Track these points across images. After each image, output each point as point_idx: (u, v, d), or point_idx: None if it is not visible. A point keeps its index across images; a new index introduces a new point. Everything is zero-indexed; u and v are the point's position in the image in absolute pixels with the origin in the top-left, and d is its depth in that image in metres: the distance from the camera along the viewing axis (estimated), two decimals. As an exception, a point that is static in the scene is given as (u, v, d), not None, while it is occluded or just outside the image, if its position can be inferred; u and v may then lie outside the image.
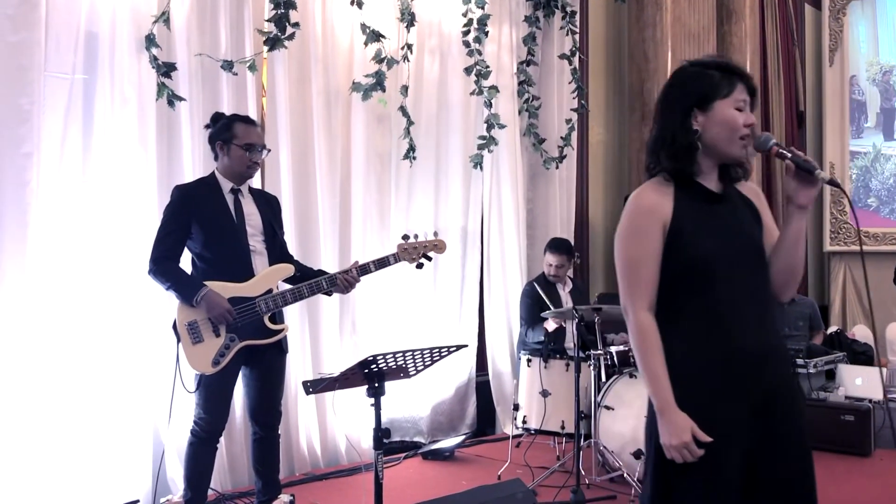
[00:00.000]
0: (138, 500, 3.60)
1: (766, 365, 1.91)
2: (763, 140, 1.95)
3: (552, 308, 4.65)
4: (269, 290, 3.26)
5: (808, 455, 1.93)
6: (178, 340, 3.18)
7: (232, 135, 3.32)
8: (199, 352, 3.17)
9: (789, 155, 1.91)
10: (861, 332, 7.46)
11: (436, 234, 3.50)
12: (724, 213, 1.96)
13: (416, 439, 5.13)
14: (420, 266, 3.46)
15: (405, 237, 3.42)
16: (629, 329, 1.95)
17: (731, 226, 1.95)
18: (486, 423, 5.56)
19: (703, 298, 1.89)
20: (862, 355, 6.37)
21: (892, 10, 8.59)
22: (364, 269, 3.38)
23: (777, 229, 2.03)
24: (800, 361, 5.39)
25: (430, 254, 3.46)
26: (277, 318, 3.33)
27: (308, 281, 3.32)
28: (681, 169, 1.94)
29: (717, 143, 1.93)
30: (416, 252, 3.41)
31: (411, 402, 5.12)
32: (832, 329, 6.94)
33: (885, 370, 6.29)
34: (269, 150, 3.71)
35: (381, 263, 3.39)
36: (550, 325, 4.73)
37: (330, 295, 3.49)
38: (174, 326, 3.20)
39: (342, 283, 3.34)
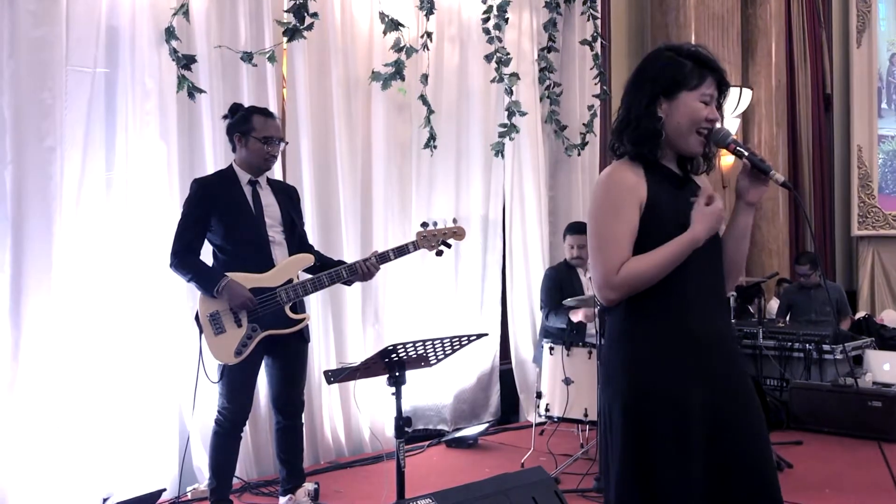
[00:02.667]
0: (164, 489, 3.64)
1: (723, 349, 1.93)
2: (722, 136, 1.95)
3: (574, 294, 4.63)
4: (290, 280, 3.28)
5: (766, 441, 1.92)
6: (201, 332, 3.21)
7: (250, 127, 3.33)
8: (222, 342, 3.20)
9: (746, 153, 1.94)
10: (890, 318, 7.36)
11: (455, 220, 3.48)
12: (689, 199, 1.94)
13: (439, 427, 5.14)
14: (440, 253, 3.45)
15: (424, 224, 3.41)
16: (616, 294, 1.88)
17: None
18: (509, 410, 5.57)
19: (672, 281, 1.88)
20: (891, 341, 6.29)
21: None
22: (383, 258, 3.38)
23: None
24: (826, 347, 5.33)
25: (450, 241, 3.44)
26: (298, 307, 3.35)
27: (328, 270, 3.33)
28: (643, 153, 1.92)
29: (675, 134, 1.92)
30: (436, 239, 3.40)
31: (435, 391, 5.13)
32: (860, 314, 6.85)
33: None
34: (287, 143, 3.72)
35: (401, 251, 3.39)
36: (577, 317, 4.70)
37: (350, 284, 3.49)
38: (196, 318, 3.23)
39: (361, 271, 3.34)
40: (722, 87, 1.95)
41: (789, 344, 5.51)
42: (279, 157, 4.05)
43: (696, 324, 1.89)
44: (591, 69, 5.96)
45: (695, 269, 1.90)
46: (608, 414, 1.94)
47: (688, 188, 1.98)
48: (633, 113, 1.94)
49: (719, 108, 1.96)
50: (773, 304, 7.07)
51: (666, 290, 1.88)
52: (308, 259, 3.39)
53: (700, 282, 1.91)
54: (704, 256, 1.92)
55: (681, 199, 1.93)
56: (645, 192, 1.90)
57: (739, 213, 1.99)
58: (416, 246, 3.38)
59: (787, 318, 6.36)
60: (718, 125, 1.96)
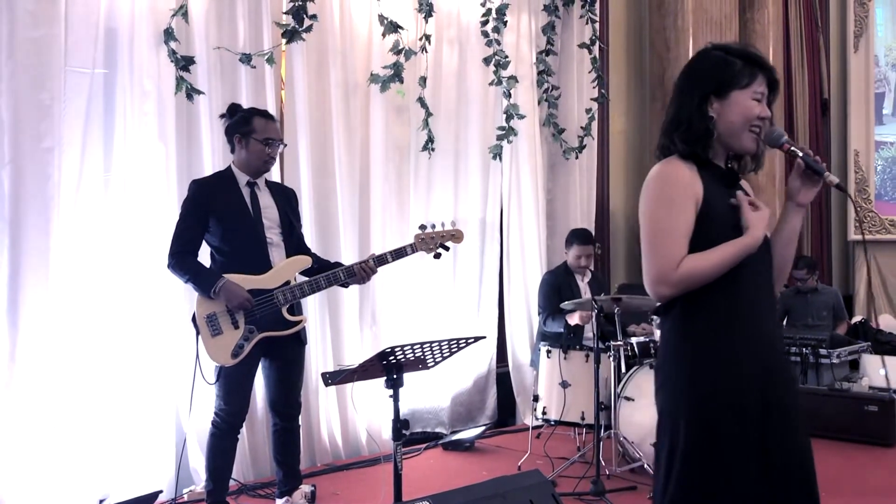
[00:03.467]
0: (161, 491, 3.63)
1: (776, 350, 1.94)
2: (776, 136, 1.94)
3: (572, 298, 4.63)
4: (287, 282, 3.28)
5: (809, 449, 1.94)
6: (198, 333, 3.21)
7: (251, 129, 3.33)
8: (219, 344, 3.19)
9: (800, 154, 1.92)
10: (886, 322, 7.37)
11: (454, 223, 3.48)
12: (730, 201, 1.94)
13: (437, 430, 5.14)
14: (438, 256, 3.45)
15: (422, 227, 3.41)
16: (672, 290, 1.86)
17: None
18: (506, 413, 5.56)
19: (729, 282, 1.87)
20: (887, 345, 6.29)
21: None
22: (381, 260, 3.38)
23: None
24: (822, 352, 5.33)
25: (448, 244, 3.44)
26: (296, 309, 3.34)
27: (325, 272, 3.32)
28: (695, 153, 1.92)
29: (728, 133, 1.92)
30: (434, 242, 3.40)
31: (432, 393, 5.13)
32: (857, 318, 6.85)
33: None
34: (286, 145, 3.72)
35: (399, 254, 3.39)
36: (573, 320, 4.71)
37: (347, 286, 3.49)
38: (193, 319, 3.22)
39: (359, 273, 3.34)
40: (773, 85, 1.94)
41: (786, 348, 5.52)
42: (277, 159, 4.06)
43: (752, 325, 1.89)
44: (590, 72, 5.97)
45: (750, 270, 1.89)
46: (671, 420, 1.91)
47: (737, 187, 1.98)
48: (683, 113, 1.93)
49: (770, 105, 1.95)
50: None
51: (724, 291, 1.87)
52: (306, 261, 3.39)
53: (755, 283, 1.91)
54: (758, 258, 1.91)
55: (731, 197, 1.93)
56: (701, 189, 1.89)
57: (789, 214, 1.98)
58: (414, 248, 3.38)
59: (785, 322, 6.37)
60: (775, 127, 1.95)
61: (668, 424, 1.93)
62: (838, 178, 1.99)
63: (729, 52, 1.94)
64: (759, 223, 1.88)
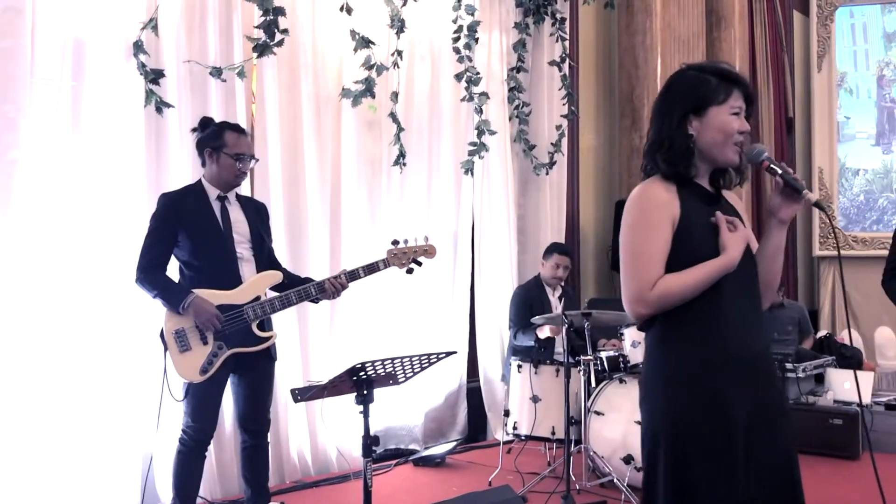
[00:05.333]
0: (126, 510, 3.58)
1: (760, 368, 1.95)
2: (756, 153, 1.97)
3: (543, 312, 4.65)
4: (258, 298, 3.25)
5: (794, 457, 1.96)
6: (166, 349, 3.16)
7: (222, 143, 3.31)
8: (187, 360, 3.15)
9: (780, 171, 1.94)
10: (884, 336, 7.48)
11: (426, 238, 3.48)
12: (710, 219, 1.97)
13: (411, 447, 5.11)
14: (410, 272, 3.44)
15: (395, 242, 3.41)
16: (648, 310, 1.90)
17: None
18: (477, 429, 5.55)
19: (710, 299, 1.89)
20: (851, 359, 6.39)
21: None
22: (353, 275, 3.36)
23: (755, 238, 2.07)
24: (789, 366, 5.41)
25: (421, 259, 3.44)
26: (266, 325, 3.32)
27: (296, 288, 3.30)
28: (678, 172, 1.95)
29: (712, 149, 1.95)
30: (406, 257, 3.39)
31: (405, 410, 5.11)
32: (821, 333, 6.96)
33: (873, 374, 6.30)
34: (258, 160, 3.70)
35: (371, 269, 3.38)
36: (543, 333, 4.72)
37: (317, 302, 3.47)
38: (161, 335, 3.18)
39: (331, 288, 3.32)
40: (749, 99, 1.98)
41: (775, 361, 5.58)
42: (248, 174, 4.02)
43: (733, 343, 1.90)
44: (560, 89, 6.03)
45: (730, 288, 1.91)
46: (653, 432, 1.93)
47: (719, 205, 2.01)
48: (664, 133, 1.96)
49: (748, 119, 1.98)
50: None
51: (702, 309, 1.90)
52: (276, 276, 3.36)
53: (736, 301, 1.92)
54: (739, 275, 1.93)
55: (712, 216, 1.96)
56: (678, 209, 1.92)
57: (772, 231, 2.01)
58: (386, 264, 3.38)
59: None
60: (756, 145, 1.99)
61: (647, 438, 1.95)
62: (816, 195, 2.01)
63: (703, 71, 1.98)
64: (736, 244, 1.90)
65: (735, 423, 1.86)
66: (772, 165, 1.95)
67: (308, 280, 3.43)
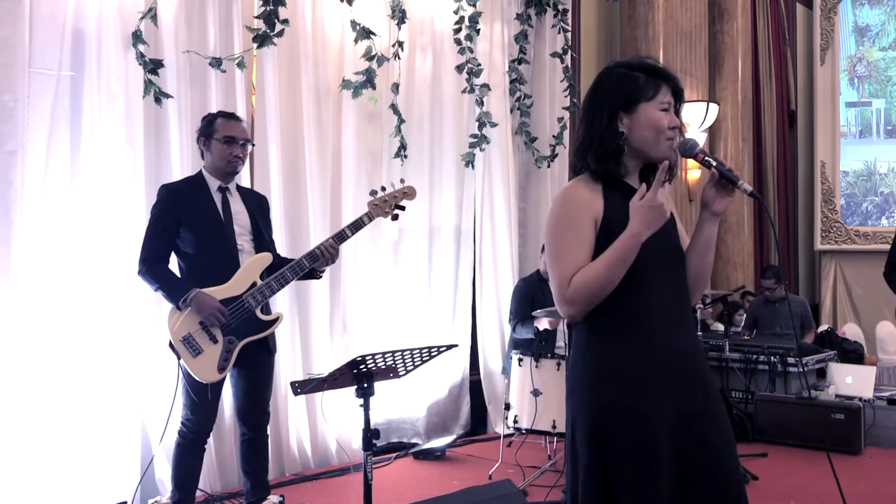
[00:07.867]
0: (125, 502, 3.56)
1: (691, 363, 1.93)
2: (690, 146, 1.95)
3: (544, 306, 4.63)
4: (254, 283, 3.23)
5: (733, 452, 1.94)
6: (179, 357, 3.12)
7: (213, 130, 3.29)
8: (202, 362, 3.12)
9: (714, 163, 1.93)
10: (851, 331, 7.48)
11: (402, 181, 3.43)
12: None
13: (413, 440, 5.10)
14: (395, 218, 3.40)
15: (373, 192, 3.37)
16: (572, 307, 1.89)
17: None
18: (477, 422, 5.55)
19: (635, 296, 1.88)
20: (852, 353, 6.39)
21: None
22: (340, 236, 3.33)
23: (686, 234, 2.06)
24: (790, 360, 5.40)
25: (403, 203, 3.40)
26: (265, 309, 3.29)
27: (289, 264, 3.27)
28: (607, 170, 1.94)
29: (643, 145, 1.93)
30: (388, 205, 3.36)
31: (408, 403, 5.10)
32: (823, 327, 6.95)
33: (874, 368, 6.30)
34: (254, 145, 3.66)
35: (357, 226, 3.34)
36: (542, 325, 4.71)
37: (317, 275, 3.43)
38: (171, 346, 3.14)
39: (323, 254, 3.29)
40: (677, 95, 1.96)
41: (754, 357, 5.57)
42: (247, 165, 3.99)
43: (658, 339, 1.89)
44: (562, 81, 6.00)
45: (655, 283, 1.90)
46: (573, 429, 1.93)
47: None
48: (595, 132, 1.94)
49: (678, 114, 1.96)
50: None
51: (626, 305, 1.88)
52: (266, 258, 3.31)
53: (661, 296, 1.91)
54: (665, 270, 1.92)
55: None
56: (601, 207, 1.91)
57: (704, 224, 1.98)
58: (370, 217, 3.34)
59: (754, 331, 6.44)
60: (687, 136, 1.97)
61: (570, 432, 1.95)
62: (752, 187, 1.98)
63: (631, 68, 1.96)
64: (637, 212, 1.85)
65: (660, 419, 1.84)
66: (706, 158, 1.94)
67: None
